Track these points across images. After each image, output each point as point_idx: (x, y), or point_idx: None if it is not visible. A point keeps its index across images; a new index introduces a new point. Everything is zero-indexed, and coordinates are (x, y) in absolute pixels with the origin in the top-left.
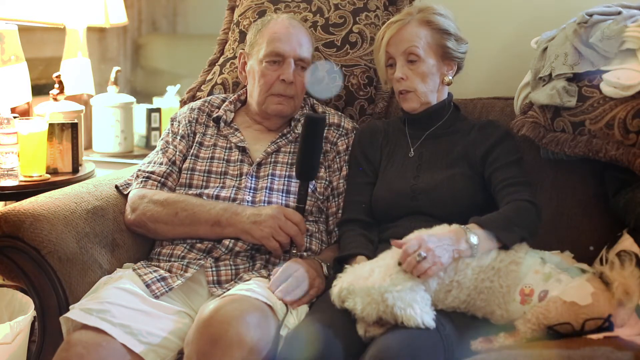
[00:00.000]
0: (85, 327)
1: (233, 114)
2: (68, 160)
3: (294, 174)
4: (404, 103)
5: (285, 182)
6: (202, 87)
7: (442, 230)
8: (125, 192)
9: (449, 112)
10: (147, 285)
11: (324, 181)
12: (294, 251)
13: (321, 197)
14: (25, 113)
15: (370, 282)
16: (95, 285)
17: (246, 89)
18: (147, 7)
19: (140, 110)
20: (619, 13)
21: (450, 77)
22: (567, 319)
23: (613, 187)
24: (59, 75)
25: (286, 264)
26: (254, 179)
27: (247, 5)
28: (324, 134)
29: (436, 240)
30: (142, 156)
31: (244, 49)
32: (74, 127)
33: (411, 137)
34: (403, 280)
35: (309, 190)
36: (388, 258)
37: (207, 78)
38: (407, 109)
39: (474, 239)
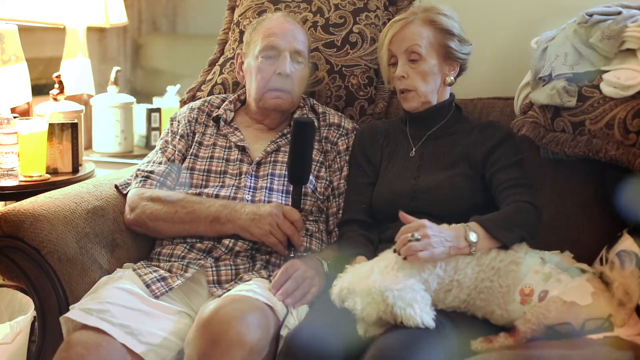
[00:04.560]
0: (85, 327)
1: (233, 113)
2: (68, 160)
3: None
4: (405, 102)
5: (285, 182)
6: (202, 87)
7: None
8: (125, 192)
9: (450, 112)
10: (147, 285)
11: (324, 181)
12: (292, 255)
13: (321, 197)
14: (25, 113)
15: (370, 281)
16: (95, 285)
17: (246, 89)
18: (147, 7)
19: (140, 110)
20: (619, 13)
21: (452, 78)
22: (567, 319)
23: (613, 187)
24: (59, 75)
25: (285, 265)
26: (253, 178)
27: (247, 5)
28: (325, 135)
29: (437, 230)
30: (142, 156)
31: (241, 50)
32: (74, 127)
33: (412, 138)
34: (403, 280)
35: (310, 190)
36: (388, 258)
37: (207, 78)
38: (408, 108)
39: (473, 237)
